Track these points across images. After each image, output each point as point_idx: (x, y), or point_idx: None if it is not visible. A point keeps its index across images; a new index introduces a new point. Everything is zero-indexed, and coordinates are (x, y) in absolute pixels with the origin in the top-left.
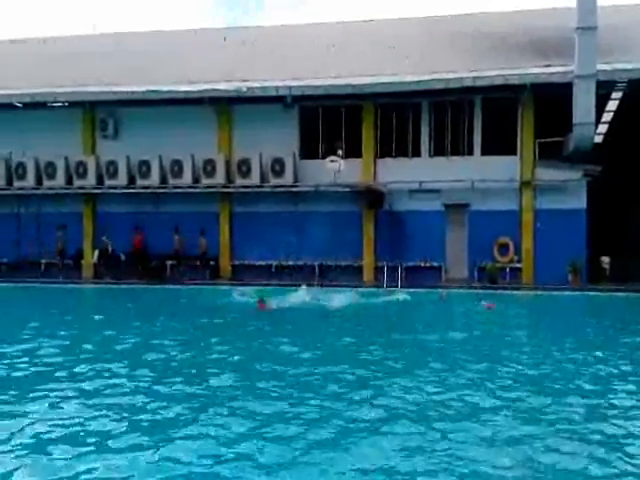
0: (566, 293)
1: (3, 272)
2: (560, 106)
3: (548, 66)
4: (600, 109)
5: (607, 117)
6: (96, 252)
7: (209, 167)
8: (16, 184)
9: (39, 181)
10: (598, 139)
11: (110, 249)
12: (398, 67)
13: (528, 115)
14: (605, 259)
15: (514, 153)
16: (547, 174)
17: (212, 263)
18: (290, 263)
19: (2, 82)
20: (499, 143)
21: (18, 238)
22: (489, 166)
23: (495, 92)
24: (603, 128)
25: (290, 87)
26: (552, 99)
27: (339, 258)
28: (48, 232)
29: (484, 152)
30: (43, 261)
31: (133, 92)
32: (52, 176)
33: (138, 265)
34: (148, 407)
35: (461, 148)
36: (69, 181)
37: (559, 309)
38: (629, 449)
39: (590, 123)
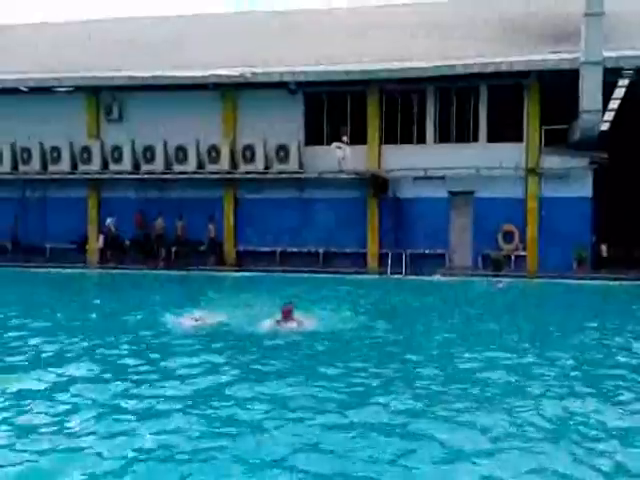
0: (567, 281)
1: (8, 256)
2: (567, 93)
3: (555, 52)
4: (607, 96)
5: (614, 105)
6: (101, 237)
7: (214, 153)
8: (21, 169)
9: (44, 166)
10: (604, 127)
11: (114, 230)
12: (404, 53)
13: (534, 102)
14: (603, 247)
15: (520, 140)
16: (553, 161)
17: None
18: (294, 249)
19: (8, 66)
20: (505, 130)
21: (24, 222)
22: (494, 153)
23: (501, 78)
24: (610, 116)
25: (294, 73)
26: (559, 86)
27: (343, 245)
28: (53, 217)
29: (489, 139)
30: (48, 246)
31: (138, 77)
32: (57, 161)
33: (142, 250)
34: None
35: (466, 135)
36: (74, 166)
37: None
38: None
39: (597, 110)
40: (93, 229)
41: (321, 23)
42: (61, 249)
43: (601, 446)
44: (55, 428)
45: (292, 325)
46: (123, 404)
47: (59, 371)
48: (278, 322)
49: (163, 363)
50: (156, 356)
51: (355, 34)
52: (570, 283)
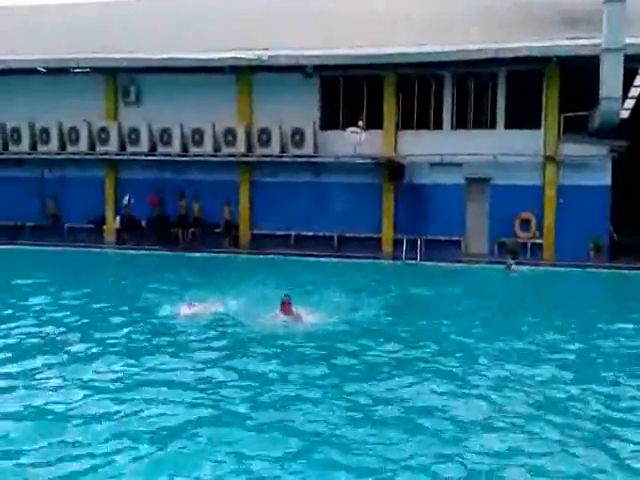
0: (585, 269)
1: (27, 235)
2: (587, 79)
3: (575, 38)
4: (627, 83)
5: (635, 92)
6: (118, 218)
7: (230, 136)
8: (40, 149)
9: (63, 146)
10: (625, 115)
11: (131, 206)
12: (422, 38)
13: (553, 88)
14: (614, 236)
15: (538, 127)
16: (572, 149)
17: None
18: (309, 233)
19: (27, 48)
20: (523, 116)
21: (42, 202)
22: (512, 140)
23: (520, 64)
24: (630, 104)
25: (311, 56)
26: (578, 72)
27: (358, 230)
28: (71, 196)
29: (507, 125)
30: (66, 225)
31: (154, 59)
32: (75, 141)
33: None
34: None
35: (484, 121)
36: (92, 147)
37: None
38: None
39: (617, 98)
40: (110, 209)
41: (339, 6)
42: (79, 229)
43: None
44: None
45: (289, 319)
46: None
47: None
48: (277, 315)
49: (139, 359)
50: (137, 347)
51: (369, 18)
52: (588, 271)
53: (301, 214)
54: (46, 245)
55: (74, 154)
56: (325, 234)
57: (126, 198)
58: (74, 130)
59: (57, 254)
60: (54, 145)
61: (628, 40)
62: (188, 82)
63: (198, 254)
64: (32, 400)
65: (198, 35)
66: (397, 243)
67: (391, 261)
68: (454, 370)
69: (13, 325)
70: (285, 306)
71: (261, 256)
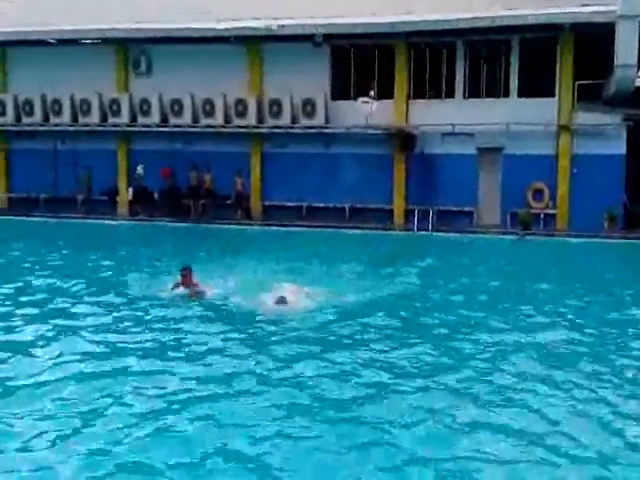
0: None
1: (40, 207)
2: (601, 47)
3: (589, 5)
4: None
5: None
6: (130, 190)
7: (240, 107)
8: (52, 120)
9: (75, 118)
10: None
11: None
12: (433, 5)
13: (567, 56)
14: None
15: (552, 95)
16: (586, 118)
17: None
18: (321, 205)
19: (36, 19)
20: (536, 85)
21: (55, 174)
22: (525, 109)
23: (533, 32)
24: None
25: (320, 25)
26: (593, 39)
27: (369, 201)
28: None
29: (520, 94)
30: (79, 197)
31: (165, 30)
32: (87, 113)
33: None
34: None
35: (497, 89)
36: (104, 118)
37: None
38: None
39: (632, 65)
40: (123, 181)
41: None
42: (92, 200)
43: None
44: None
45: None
46: None
47: None
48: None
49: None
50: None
51: None
52: (603, 242)
53: (312, 185)
54: (60, 217)
55: (86, 126)
56: (336, 205)
57: (140, 167)
58: (86, 102)
59: (71, 226)
60: (66, 117)
61: None
62: (198, 53)
63: (210, 226)
64: None
65: (208, 5)
66: (409, 214)
67: (403, 232)
68: (469, 341)
69: None
70: (185, 279)
71: (272, 228)
